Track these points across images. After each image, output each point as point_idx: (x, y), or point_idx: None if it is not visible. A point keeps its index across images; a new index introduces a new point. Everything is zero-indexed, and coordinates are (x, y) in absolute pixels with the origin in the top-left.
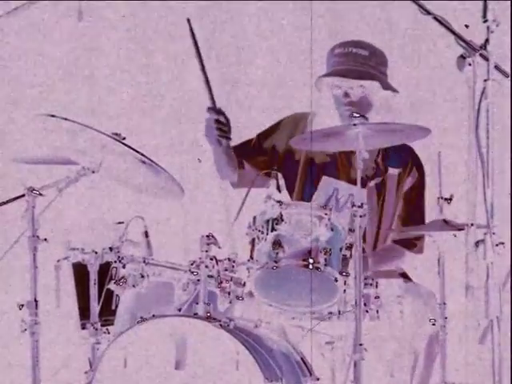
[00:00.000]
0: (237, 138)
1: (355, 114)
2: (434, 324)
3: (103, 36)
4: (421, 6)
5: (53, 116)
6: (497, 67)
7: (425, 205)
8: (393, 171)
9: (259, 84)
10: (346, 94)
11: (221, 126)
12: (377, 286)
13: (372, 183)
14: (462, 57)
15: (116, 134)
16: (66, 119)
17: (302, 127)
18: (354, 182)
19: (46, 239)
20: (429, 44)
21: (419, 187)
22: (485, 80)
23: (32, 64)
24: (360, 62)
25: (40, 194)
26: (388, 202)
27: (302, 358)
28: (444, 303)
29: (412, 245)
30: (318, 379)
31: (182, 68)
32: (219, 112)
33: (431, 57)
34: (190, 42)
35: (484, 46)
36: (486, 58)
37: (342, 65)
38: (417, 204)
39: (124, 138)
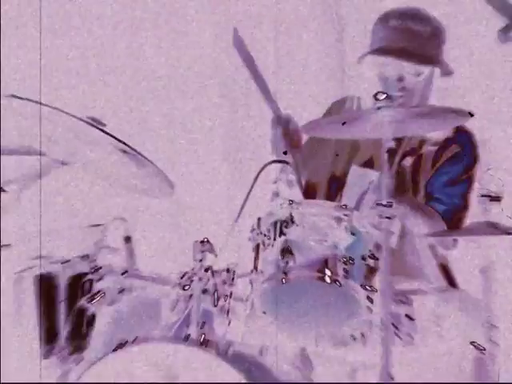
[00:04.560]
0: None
1: (379, 96)
2: (482, 351)
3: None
4: None
5: (14, 96)
6: None
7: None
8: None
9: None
10: (401, 78)
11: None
12: (410, 304)
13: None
14: (507, 28)
15: (93, 119)
16: (30, 100)
17: None
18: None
19: (8, 245)
20: (466, 18)
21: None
22: None
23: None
24: (420, 42)
25: (3, 191)
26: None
27: None
28: (493, 325)
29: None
30: None
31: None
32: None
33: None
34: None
35: None
36: None
37: (399, 42)
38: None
39: (105, 125)
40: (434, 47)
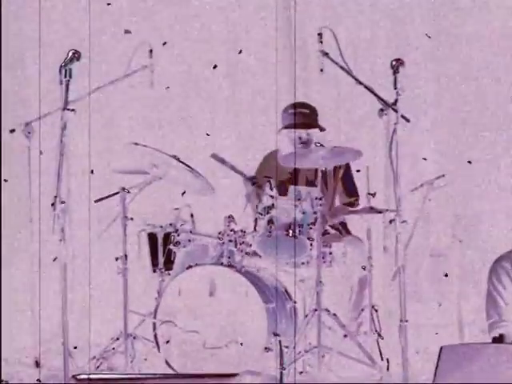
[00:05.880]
0: None
1: (317, 144)
2: (364, 269)
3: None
4: (354, 78)
5: (136, 144)
6: (402, 116)
7: (354, 181)
8: (329, 170)
9: None
10: (300, 138)
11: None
12: (330, 246)
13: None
14: (381, 110)
15: (174, 156)
16: (145, 146)
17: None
18: (309, 185)
19: (132, 218)
20: (360, 100)
21: (347, 172)
22: (394, 123)
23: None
24: (306, 118)
25: (128, 192)
26: (331, 186)
27: (285, 289)
28: (371, 257)
29: (351, 204)
30: (295, 302)
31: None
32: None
33: (363, 109)
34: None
35: (394, 103)
36: (395, 110)
37: (296, 120)
38: (350, 182)
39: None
40: (313, 119)
